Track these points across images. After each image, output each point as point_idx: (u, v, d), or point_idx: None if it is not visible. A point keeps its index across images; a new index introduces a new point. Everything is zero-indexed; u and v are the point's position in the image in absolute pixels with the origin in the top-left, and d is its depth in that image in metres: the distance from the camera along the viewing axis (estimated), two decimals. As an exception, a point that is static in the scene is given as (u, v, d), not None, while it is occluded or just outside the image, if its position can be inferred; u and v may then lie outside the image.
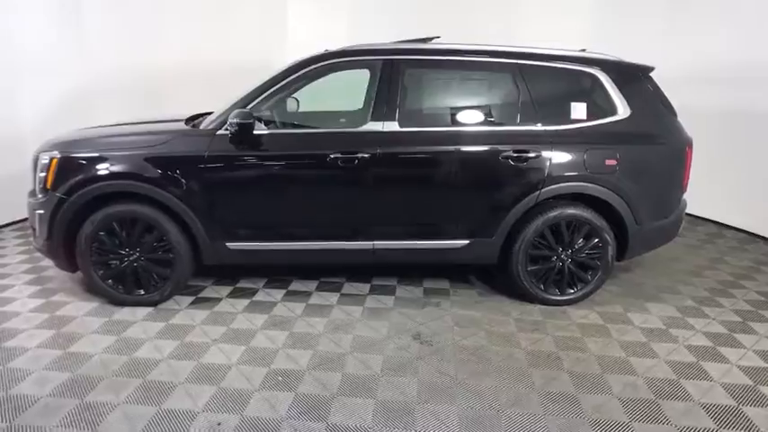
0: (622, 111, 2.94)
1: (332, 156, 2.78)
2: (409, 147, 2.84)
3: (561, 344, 2.64)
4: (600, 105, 2.94)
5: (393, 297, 3.20)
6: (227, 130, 2.75)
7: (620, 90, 2.95)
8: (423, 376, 2.32)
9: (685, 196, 3.17)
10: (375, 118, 2.85)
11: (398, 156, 2.83)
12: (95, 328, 2.75)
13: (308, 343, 2.61)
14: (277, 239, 2.93)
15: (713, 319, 2.99)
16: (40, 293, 3.18)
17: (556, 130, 2.89)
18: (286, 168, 2.84)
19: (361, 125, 2.86)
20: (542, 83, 2.93)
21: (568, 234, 2.98)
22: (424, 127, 2.90)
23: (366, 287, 3.34)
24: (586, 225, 2.96)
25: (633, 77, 3.00)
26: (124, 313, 2.92)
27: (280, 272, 3.49)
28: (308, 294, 3.22)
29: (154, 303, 3.00)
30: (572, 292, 3.08)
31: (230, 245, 2.92)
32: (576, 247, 3.02)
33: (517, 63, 2.91)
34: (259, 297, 3.17)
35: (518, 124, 2.90)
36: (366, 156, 2.79)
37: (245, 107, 2.81)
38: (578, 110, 2.91)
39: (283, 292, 3.25)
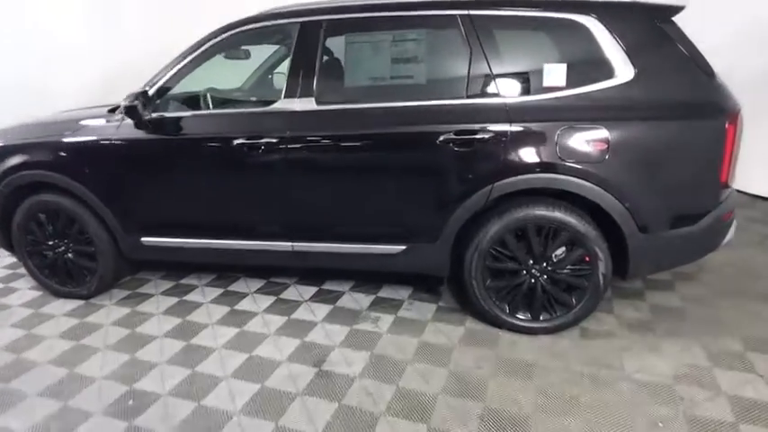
0: (622, 72, 2.07)
1: (237, 141, 2.36)
2: (324, 129, 2.30)
3: (491, 396, 1.95)
4: (588, 66, 2.10)
5: (331, 307, 2.72)
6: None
7: (621, 43, 2.08)
8: (285, 421, 1.84)
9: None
10: (289, 94, 2.35)
11: (310, 140, 2.31)
12: (16, 320, 2.70)
13: (195, 359, 2.27)
14: (189, 236, 2.61)
15: (760, 375, 2.04)
16: (7, 278, 3.26)
17: (518, 103, 2.13)
18: (187, 156, 2.48)
19: (273, 104, 2.38)
20: (503, 39, 2.18)
21: (539, 243, 2.23)
22: (347, 104, 2.34)
23: (311, 292, 2.90)
24: (564, 232, 2.18)
25: (643, 24, 2.10)
26: (53, 306, 2.85)
27: (232, 268, 3.18)
28: (241, 297, 2.87)
29: (84, 297, 2.89)
30: (547, 318, 2.33)
31: (144, 240, 2.67)
32: (554, 260, 2.26)
33: (468, 14, 2.18)
34: (190, 296, 2.90)
35: (466, 96, 2.19)
36: (273, 140, 2.32)
37: (151, 87, 2.49)
38: (554, 74, 2.11)
39: (219, 292, 2.95)
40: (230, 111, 2.67)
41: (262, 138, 2.32)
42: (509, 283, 2.33)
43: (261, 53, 3.20)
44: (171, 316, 2.68)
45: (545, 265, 2.26)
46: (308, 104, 2.31)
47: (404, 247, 2.38)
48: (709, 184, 2.12)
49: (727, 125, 2.04)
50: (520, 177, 2.12)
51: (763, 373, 2.04)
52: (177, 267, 3.21)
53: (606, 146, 2.04)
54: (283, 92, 2.36)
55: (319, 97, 2.31)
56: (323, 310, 2.69)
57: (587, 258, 2.21)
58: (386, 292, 2.85)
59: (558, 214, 2.16)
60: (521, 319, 2.35)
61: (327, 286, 2.95)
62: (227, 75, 3.25)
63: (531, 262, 2.27)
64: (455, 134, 2.15)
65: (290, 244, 2.50)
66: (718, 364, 2.12)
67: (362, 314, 2.63)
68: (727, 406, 1.87)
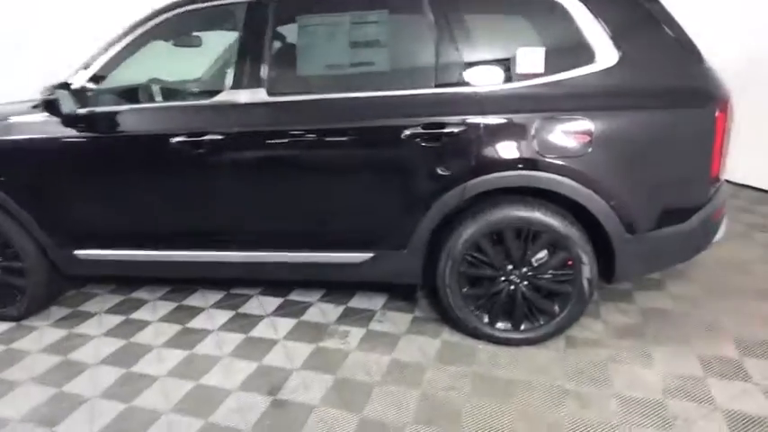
0: (604, 56, 1.87)
1: (176, 139, 2.08)
2: (276, 124, 2.04)
3: (467, 423, 1.74)
4: (567, 50, 1.90)
5: (295, 321, 2.46)
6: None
7: (602, 24, 1.87)
8: (230, 466, 1.59)
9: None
10: (236, 85, 2.08)
11: (260, 136, 2.04)
12: (-70, 349, 2.36)
13: (132, 391, 1.98)
14: (126, 248, 2.32)
15: (755, 383, 1.88)
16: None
17: (492, 93, 1.91)
18: (121, 157, 2.19)
19: (216, 95, 2.10)
20: (474, 21, 1.95)
21: (518, 246, 2.02)
22: (301, 95, 2.08)
23: (275, 304, 2.63)
24: (544, 234, 1.98)
25: (626, 4, 1.90)
26: (-23, 330, 2.51)
27: (187, 280, 2.88)
28: (196, 312, 2.59)
29: (15, 318, 2.57)
30: (529, 328, 2.12)
31: (78, 253, 2.37)
32: (535, 264, 2.05)
33: (434, -7, 1.94)
34: (139, 314, 2.60)
35: (434, 85, 1.96)
36: (217, 138, 2.04)
37: (77, 78, 2.18)
38: (530, 59, 1.89)
39: (172, 307, 2.65)
40: (169, 104, 2.37)
41: (205, 135, 2.04)
42: (486, 291, 2.12)
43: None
44: (113, 338, 2.39)
45: (525, 270, 2.06)
46: (257, 96, 2.04)
47: (371, 255, 2.14)
48: (699, 178, 1.95)
49: (717, 113, 1.86)
50: (495, 175, 1.90)
51: (759, 381, 1.88)
52: (127, 280, 2.90)
53: (589, 138, 1.84)
54: (229, 82, 2.08)
55: (271, 88, 2.05)
56: (286, 325, 2.43)
57: (570, 262, 2.01)
58: (358, 302, 2.61)
59: (537, 215, 1.95)
60: (501, 330, 2.14)
61: (294, 296, 2.69)
62: (186, 66, 2.95)
63: (510, 267, 2.07)
64: (422, 128, 1.91)
65: (241, 254, 2.23)
66: (712, 372, 1.95)
67: (329, 329, 2.38)
68: (723, 423, 1.70)
